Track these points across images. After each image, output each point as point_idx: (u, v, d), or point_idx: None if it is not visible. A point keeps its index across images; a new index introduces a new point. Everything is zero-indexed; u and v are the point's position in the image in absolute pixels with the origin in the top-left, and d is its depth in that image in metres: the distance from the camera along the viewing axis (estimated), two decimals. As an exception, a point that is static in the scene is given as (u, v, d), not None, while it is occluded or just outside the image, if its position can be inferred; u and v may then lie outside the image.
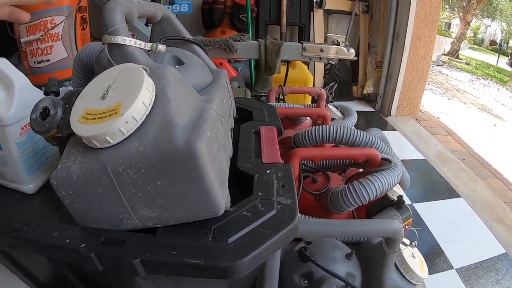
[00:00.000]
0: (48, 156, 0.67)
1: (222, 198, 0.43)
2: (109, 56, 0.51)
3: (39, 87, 0.66)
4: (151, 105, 0.41)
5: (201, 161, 0.38)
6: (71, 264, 0.61)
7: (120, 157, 0.39)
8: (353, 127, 1.03)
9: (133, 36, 0.53)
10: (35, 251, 0.50)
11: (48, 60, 1.52)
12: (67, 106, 0.52)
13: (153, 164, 0.39)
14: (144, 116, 0.40)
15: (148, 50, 0.54)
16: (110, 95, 0.42)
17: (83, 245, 0.43)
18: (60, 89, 0.65)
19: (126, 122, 0.39)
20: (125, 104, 0.39)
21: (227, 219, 0.45)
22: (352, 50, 1.63)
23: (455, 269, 1.28)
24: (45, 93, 0.67)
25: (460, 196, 1.81)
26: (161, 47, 0.53)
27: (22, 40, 1.48)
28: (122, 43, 0.50)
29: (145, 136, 0.39)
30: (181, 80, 0.48)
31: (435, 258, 1.33)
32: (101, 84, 0.45)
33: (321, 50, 1.57)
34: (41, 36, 1.46)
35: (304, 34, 2.78)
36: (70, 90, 0.53)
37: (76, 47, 1.54)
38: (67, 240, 0.45)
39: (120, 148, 0.40)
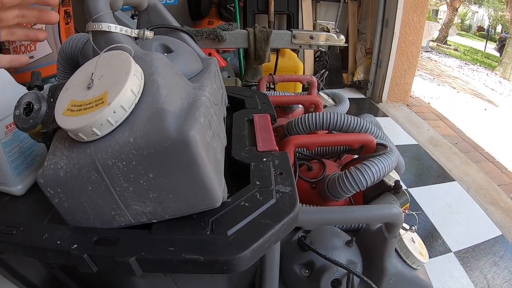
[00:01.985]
0: (35, 155, 0.64)
1: (219, 189, 0.41)
2: (93, 45, 0.48)
3: (24, 85, 0.63)
4: (140, 93, 0.39)
5: (195, 149, 0.36)
6: (64, 266, 0.59)
7: (109, 150, 0.37)
8: (346, 114, 1.02)
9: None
10: (25, 255, 0.47)
11: (32, 56, 1.48)
12: (52, 100, 0.49)
13: (144, 155, 0.36)
14: (133, 105, 0.38)
15: (135, 38, 0.52)
16: (96, 84, 0.39)
17: (75, 245, 0.41)
18: (45, 85, 0.62)
19: (114, 112, 0.36)
20: (112, 92, 0.37)
21: (225, 210, 0.43)
22: (342, 37, 1.61)
23: (453, 252, 1.28)
24: (29, 88, 0.64)
25: (454, 180, 1.81)
26: (149, 34, 0.51)
27: (3, 36, 1.43)
28: (108, 30, 0.48)
29: (134, 126, 0.37)
30: (170, 67, 0.46)
31: (433, 242, 1.33)
32: (86, 74, 0.42)
33: (311, 37, 1.55)
34: (23, 32, 1.42)
35: (292, 22, 2.74)
36: (58, 83, 0.50)
37: (60, 42, 1.50)
38: (58, 242, 0.43)
39: (109, 140, 0.37)
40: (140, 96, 0.39)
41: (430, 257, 1.23)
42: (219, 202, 0.42)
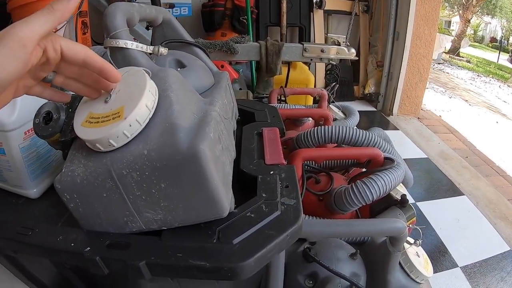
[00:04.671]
0: (51, 161, 0.67)
1: (226, 200, 0.43)
2: (111, 60, 0.51)
3: None
4: (154, 108, 0.41)
5: (204, 163, 0.38)
6: (76, 267, 0.61)
7: (124, 160, 0.39)
8: (355, 127, 1.03)
9: (134, 40, 0.53)
10: (40, 255, 0.50)
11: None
12: (70, 110, 0.52)
13: (157, 167, 0.39)
14: (148, 119, 0.40)
15: (150, 53, 0.54)
16: (113, 98, 0.42)
17: (88, 248, 0.44)
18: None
19: (130, 125, 0.39)
20: (128, 107, 0.39)
21: (231, 220, 0.45)
22: (353, 50, 1.63)
23: (460, 267, 1.28)
24: (48, 98, 0.67)
25: (463, 194, 1.80)
26: (163, 50, 0.53)
27: (23, 45, 1.48)
28: (124, 46, 0.50)
29: (148, 139, 0.39)
30: (183, 83, 0.48)
31: (440, 257, 1.32)
32: (104, 88, 0.45)
33: (322, 51, 1.57)
34: (42, 41, 1.46)
35: (304, 35, 2.78)
36: (73, 94, 0.53)
37: (78, 52, 1.54)
38: (72, 244, 0.45)
39: (124, 151, 0.40)
40: (154, 111, 0.41)
41: (436, 272, 1.23)
42: (226, 213, 0.44)
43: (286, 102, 1.45)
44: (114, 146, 0.40)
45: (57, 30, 1.46)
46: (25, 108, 0.59)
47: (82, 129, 0.41)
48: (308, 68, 2.45)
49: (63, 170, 0.43)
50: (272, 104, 1.34)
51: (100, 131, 0.39)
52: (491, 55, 11.39)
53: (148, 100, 0.40)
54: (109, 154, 0.41)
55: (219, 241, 0.43)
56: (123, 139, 0.39)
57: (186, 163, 0.38)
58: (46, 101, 0.62)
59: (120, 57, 0.51)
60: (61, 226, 0.53)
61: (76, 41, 1.53)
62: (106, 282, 0.66)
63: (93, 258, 0.42)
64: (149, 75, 0.43)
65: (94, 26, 1.77)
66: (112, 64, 0.51)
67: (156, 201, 0.42)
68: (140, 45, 0.52)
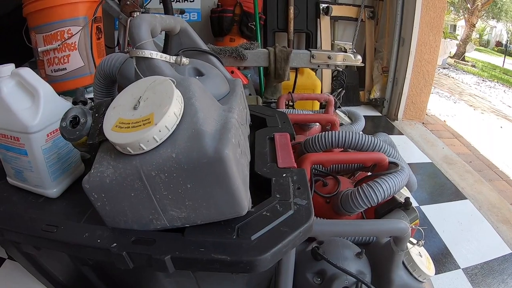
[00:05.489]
0: (71, 162, 0.71)
1: (245, 199, 0.47)
2: (136, 69, 0.55)
3: (58, 94, 0.69)
4: (181, 115, 0.45)
5: (229, 166, 0.43)
6: (96, 264, 0.65)
7: (154, 163, 0.43)
8: (361, 132, 1.07)
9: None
10: (65, 251, 0.54)
11: (65, 68, 1.57)
12: (97, 115, 0.56)
13: (184, 169, 0.43)
14: (175, 125, 0.45)
15: (172, 63, 0.58)
16: (142, 105, 0.46)
17: (115, 244, 0.48)
18: (78, 88, 0.68)
19: (160, 131, 0.43)
20: (158, 114, 0.43)
21: (249, 218, 0.49)
22: (359, 57, 1.67)
23: (462, 269, 1.29)
24: (74, 103, 0.71)
25: (466, 198, 1.82)
26: (185, 60, 0.57)
27: (39, 49, 1.53)
28: (149, 56, 0.55)
29: (176, 143, 0.44)
30: (204, 91, 0.53)
31: (442, 259, 1.34)
32: (132, 95, 0.49)
33: (329, 57, 1.61)
34: (58, 45, 1.51)
35: (311, 41, 2.81)
36: (102, 100, 0.57)
37: (92, 56, 1.59)
38: (99, 240, 0.49)
39: (153, 154, 0.44)
40: (181, 118, 0.45)
41: (439, 273, 1.26)
42: (245, 211, 0.48)
43: (294, 107, 1.48)
44: (144, 149, 0.44)
45: (73, 36, 1.52)
46: (48, 111, 0.63)
47: (113, 134, 0.46)
48: (315, 73, 2.49)
49: (92, 171, 0.47)
50: (280, 109, 1.38)
51: (131, 135, 0.43)
52: (497, 59, 11.35)
53: (176, 107, 0.44)
54: (138, 156, 0.45)
55: (238, 237, 0.47)
56: (153, 143, 0.43)
57: (212, 166, 0.42)
58: (70, 106, 0.66)
59: (145, 66, 0.55)
60: (85, 224, 0.56)
61: (91, 46, 1.57)
62: (124, 278, 0.70)
63: (119, 253, 0.46)
64: (174, 84, 0.47)
65: (108, 31, 1.81)
66: (138, 73, 0.55)
67: (181, 200, 0.46)
68: (164, 55, 0.56)
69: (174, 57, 0.57)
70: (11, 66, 0.64)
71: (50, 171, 0.65)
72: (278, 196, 0.54)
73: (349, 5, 2.89)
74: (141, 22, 0.57)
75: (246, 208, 0.47)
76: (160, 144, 0.44)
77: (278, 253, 0.45)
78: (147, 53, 0.54)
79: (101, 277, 0.70)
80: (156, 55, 0.55)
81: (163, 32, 0.72)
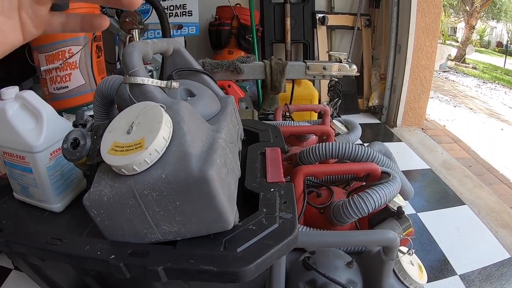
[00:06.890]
0: (73, 178, 0.75)
1: (231, 215, 0.51)
2: (130, 94, 0.59)
3: (59, 112, 0.73)
4: (169, 139, 0.49)
5: (213, 185, 0.46)
6: (98, 274, 0.69)
7: (145, 183, 0.47)
8: (355, 144, 1.10)
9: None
10: (68, 263, 0.57)
11: (67, 86, 1.62)
12: (95, 137, 0.60)
13: (173, 188, 0.47)
14: (165, 148, 0.48)
15: (163, 87, 0.62)
16: (135, 130, 0.50)
17: (113, 256, 0.52)
18: (77, 111, 0.73)
19: (150, 154, 0.47)
20: (148, 139, 0.47)
21: (236, 232, 0.53)
22: (354, 66, 1.70)
23: (458, 275, 1.30)
24: (74, 125, 0.75)
25: (464, 204, 1.83)
26: (175, 84, 0.61)
27: (42, 68, 1.58)
28: (142, 82, 0.58)
29: (166, 165, 0.47)
30: (193, 114, 0.56)
31: (439, 265, 1.34)
32: (126, 120, 0.52)
33: (324, 68, 1.64)
34: (60, 65, 1.57)
35: (308, 51, 2.86)
36: (100, 123, 0.61)
37: (93, 74, 1.64)
38: (98, 253, 0.53)
39: (145, 175, 0.48)
40: (170, 141, 0.49)
41: (435, 280, 1.27)
42: (231, 225, 0.51)
43: (291, 118, 1.52)
44: (137, 171, 0.48)
45: (73, 55, 1.56)
46: (50, 131, 0.68)
47: (109, 156, 0.49)
48: (312, 84, 2.52)
49: (91, 190, 0.51)
50: (277, 121, 1.42)
51: (125, 158, 0.47)
52: (498, 60, 11.31)
53: (165, 132, 0.48)
54: (132, 177, 0.48)
55: (225, 249, 0.50)
56: (145, 165, 0.47)
57: (198, 185, 0.46)
58: (71, 128, 0.70)
59: (138, 92, 0.59)
60: (86, 237, 0.61)
61: (91, 64, 1.62)
62: (124, 287, 0.73)
63: (117, 264, 0.50)
64: (164, 109, 0.51)
65: (107, 49, 1.86)
66: (131, 98, 0.59)
67: (172, 216, 0.49)
68: (155, 80, 0.60)
69: (164, 82, 0.61)
70: (15, 88, 0.68)
71: (54, 187, 0.70)
72: (264, 210, 0.57)
73: (345, 14, 2.94)
74: (133, 50, 0.60)
75: (232, 222, 0.51)
76: (151, 165, 0.48)
77: (262, 264, 0.48)
78: (139, 79, 0.58)
79: (102, 287, 0.74)
80: (148, 81, 0.59)
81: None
